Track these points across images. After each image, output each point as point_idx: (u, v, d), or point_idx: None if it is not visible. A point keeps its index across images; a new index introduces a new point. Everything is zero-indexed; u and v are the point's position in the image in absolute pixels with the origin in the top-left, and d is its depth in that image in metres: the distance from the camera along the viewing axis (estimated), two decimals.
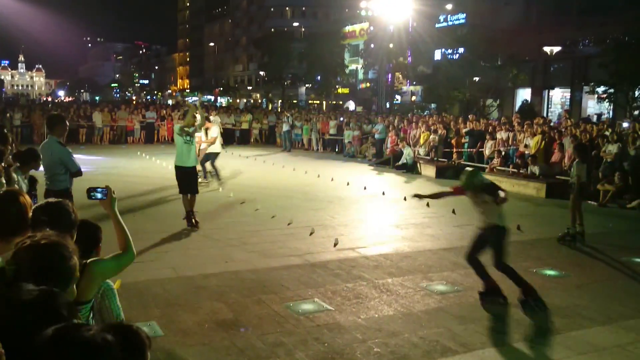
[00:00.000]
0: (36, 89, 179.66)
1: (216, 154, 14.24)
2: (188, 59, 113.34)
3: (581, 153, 10.17)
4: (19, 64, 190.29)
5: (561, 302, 6.48)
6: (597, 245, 9.28)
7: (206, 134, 13.86)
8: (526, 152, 15.94)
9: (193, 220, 9.68)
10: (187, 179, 9.78)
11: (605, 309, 6.31)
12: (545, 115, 28.34)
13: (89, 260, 2.90)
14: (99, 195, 3.08)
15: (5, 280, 1.91)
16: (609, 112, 29.92)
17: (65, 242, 2.09)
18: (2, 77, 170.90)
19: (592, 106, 32.94)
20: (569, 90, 34.58)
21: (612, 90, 25.72)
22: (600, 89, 26.84)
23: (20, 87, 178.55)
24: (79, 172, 6.83)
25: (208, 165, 14.48)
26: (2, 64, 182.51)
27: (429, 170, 18.18)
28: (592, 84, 27.86)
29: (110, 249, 3.12)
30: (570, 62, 33.67)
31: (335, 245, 8.78)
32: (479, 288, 6.47)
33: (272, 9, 76.85)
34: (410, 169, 18.72)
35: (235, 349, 5.03)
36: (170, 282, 6.84)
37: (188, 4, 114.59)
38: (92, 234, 3.14)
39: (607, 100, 27.23)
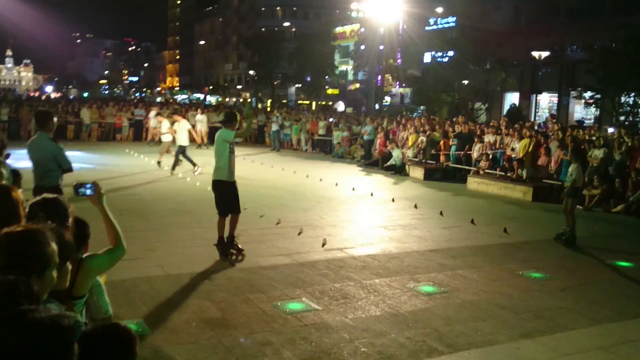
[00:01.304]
0: (24, 84, 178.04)
1: (184, 147, 16.06)
2: (178, 57, 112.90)
3: (579, 156, 10.25)
4: (7, 59, 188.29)
5: (546, 304, 6.55)
6: (582, 249, 9.39)
7: (172, 124, 16.90)
8: (513, 155, 16.06)
9: (237, 247, 8.10)
10: (229, 195, 8.18)
11: (589, 311, 6.40)
12: (532, 119, 28.56)
13: (84, 255, 2.92)
14: (87, 192, 3.05)
15: None
16: (595, 117, 30.21)
17: (42, 230, 2.09)
18: None
19: (579, 111, 33.27)
20: (557, 94, 34.89)
21: (598, 96, 25.96)
22: (587, 94, 27.08)
23: (7, 82, 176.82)
24: (70, 169, 6.79)
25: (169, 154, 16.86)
26: None
27: (417, 172, 18.27)
28: (579, 89, 28.11)
29: (96, 245, 3.12)
30: (558, 67, 34.00)
31: (323, 245, 8.80)
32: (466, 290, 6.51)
33: (263, 9, 76.78)
34: (399, 171, 18.80)
35: (222, 347, 5.04)
36: (158, 280, 6.83)
37: (179, 2, 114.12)
38: (81, 230, 3.14)
39: (594, 105, 27.50)
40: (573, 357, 5.21)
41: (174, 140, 16.70)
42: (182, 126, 16.38)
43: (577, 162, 9.93)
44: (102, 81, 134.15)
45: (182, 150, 16.02)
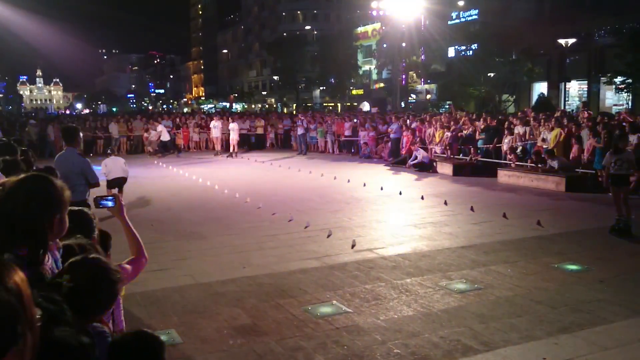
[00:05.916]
0: (54, 102, 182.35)
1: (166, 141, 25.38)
2: (202, 67, 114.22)
3: (627, 142, 9.98)
4: (37, 79, 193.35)
5: (584, 297, 6.36)
6: (619, 238, 9.12)
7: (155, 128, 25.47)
8: (544, 146, 15.73)
9: None
10: None
11: (629, 302, 6.19)
12: (562, 108, 28.00)
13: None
14: (109, 204, 3.09)
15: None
16: (627, 103, 29.47)
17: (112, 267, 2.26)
18: (21, 92, 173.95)
19: (611, 97, 32.48)
20: (586, 82, 34.15)
21: (630, 80, 25.33)
22: (618, 80, 26.44)
23: (38, 102, 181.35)
24: (97, 183, 6.90)
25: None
26: (21, 79, 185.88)
27: (445, 169, 18.05)
28: (610, 74, 27.46)
29: (119, 256, 3.12)
30: (586, 53, 33.26)
31: (352, 246, 8.73)
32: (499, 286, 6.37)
33: (283, 14, 77.14)
34: (427, 168, 18.60)
35: (254, 354, 5.01)
36: (189, 289, 6.84)
37: (200, 12, 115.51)
38: (103, 241, 3.15)
39: (625, 90, 26.83)
40: (614, 350, 5.04)
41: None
42: (162, 127, 25.33)
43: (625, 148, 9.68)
44: (129, 95, 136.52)
45: (163, 144, 25.13)
